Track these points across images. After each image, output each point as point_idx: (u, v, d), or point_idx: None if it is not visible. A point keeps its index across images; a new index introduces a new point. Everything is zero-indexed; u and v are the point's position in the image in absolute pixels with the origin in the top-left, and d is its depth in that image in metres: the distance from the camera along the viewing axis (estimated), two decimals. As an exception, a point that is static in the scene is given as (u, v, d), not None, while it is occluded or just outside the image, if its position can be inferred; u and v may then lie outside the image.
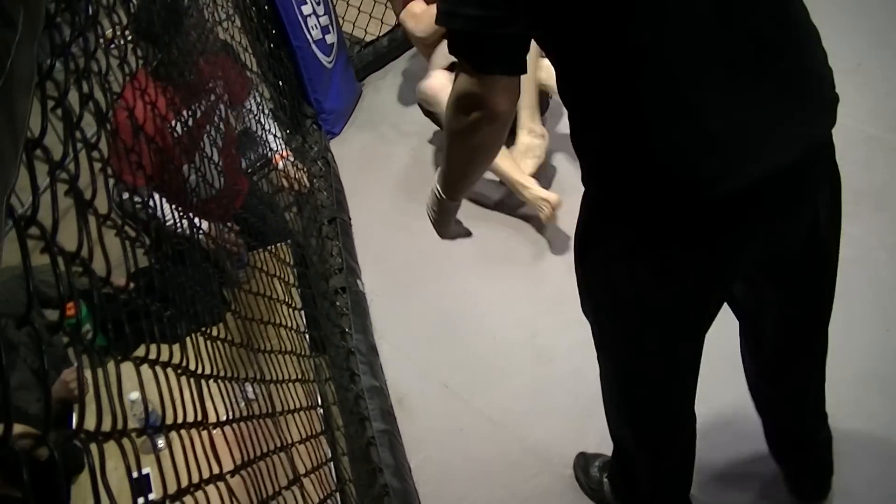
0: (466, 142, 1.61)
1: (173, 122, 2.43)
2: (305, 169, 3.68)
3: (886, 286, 2.97)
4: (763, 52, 1.38)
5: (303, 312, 2.96)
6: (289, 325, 2.67)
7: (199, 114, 2.78)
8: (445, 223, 2.00)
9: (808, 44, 1.47)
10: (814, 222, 1.63)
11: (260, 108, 3.34)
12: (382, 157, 4.08)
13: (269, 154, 3.38)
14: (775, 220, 1.53)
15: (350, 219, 3.78)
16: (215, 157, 2.88)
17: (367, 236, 3.72)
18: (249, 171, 3.46)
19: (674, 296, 1.65)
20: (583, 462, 2.68)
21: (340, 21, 4.31)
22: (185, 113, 2.61)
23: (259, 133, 3.30)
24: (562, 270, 3.32)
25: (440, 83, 3.53)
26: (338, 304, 3.31)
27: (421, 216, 3.60)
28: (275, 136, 3.38)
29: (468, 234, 2.12)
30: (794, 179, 1.48)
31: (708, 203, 1.44)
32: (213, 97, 2.94)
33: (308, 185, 3.59)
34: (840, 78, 3.70)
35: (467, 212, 3.58)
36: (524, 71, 1.49)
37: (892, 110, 3.63)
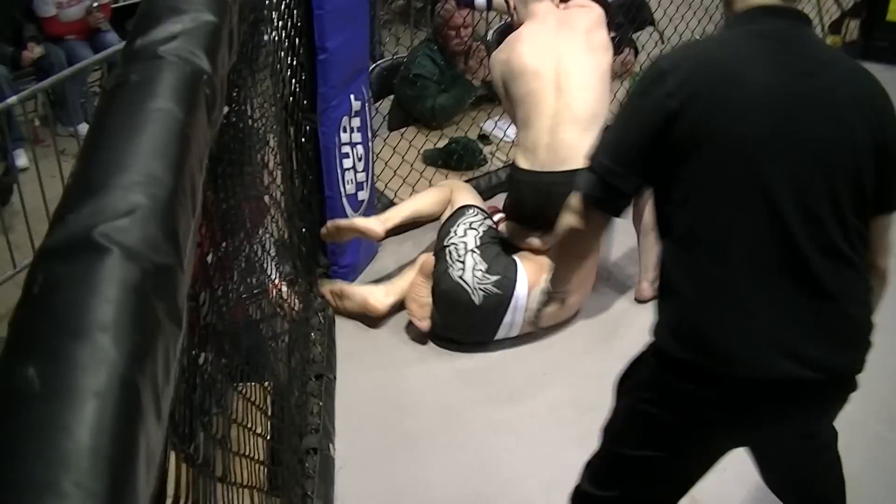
0: (564, 246, 2.30)
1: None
2: (300, 300, 3.67)
3: None
4: (811, 292, 1.86)
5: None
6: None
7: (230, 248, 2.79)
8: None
9: (854, 296, 1.94)
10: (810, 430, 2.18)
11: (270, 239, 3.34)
12: (382, 324, 4.06)
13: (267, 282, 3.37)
14: (779, 413, 1.98)
15: (336, 378, 3.75)
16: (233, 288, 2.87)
17: (349, 401, 3.66)
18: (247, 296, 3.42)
19: (675, 442, 2.08)
20: None
21: (375, 179, 4.35)
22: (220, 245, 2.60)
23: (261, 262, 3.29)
24: (549, 478, 3.29)
25: None
26: (306, 465, 3.25)
27: (410, 393, 3.62)
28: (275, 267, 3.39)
29: None
30: (802, 393, 1.92)
31: (724, 378, 1.91)
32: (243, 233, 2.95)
33: (300, 311, 3.59)
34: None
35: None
36: (620, 216, 2.14)
37: (882, 398, 3.60)
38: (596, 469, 2.36)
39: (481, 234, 3.81)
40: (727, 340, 1.87)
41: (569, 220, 2.13)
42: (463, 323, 3.82)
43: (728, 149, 1.87)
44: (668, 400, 2.01)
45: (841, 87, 1.94)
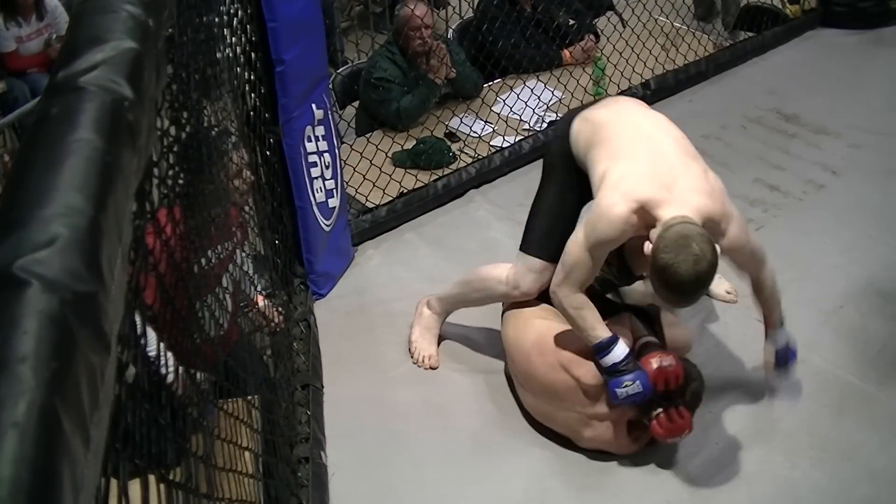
0: None
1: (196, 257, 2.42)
2: (281, 311, 3.69)
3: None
4: None
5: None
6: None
7: (218, 256, 2.82)
8: None
9: None
10: None
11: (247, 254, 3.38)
12: (364, 329, 4.08)
13: (252, 295, 3.41)
14: None
15: (323, 387, 3.76)
16: (227, 302, 2.90)
17: (338, 408, 3.67)
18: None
19: None
20: None
21: (345, 185, 4.36)
22: (206, 252, 2.62)
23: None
24: (541, 467, 3.31)
25: None
26: (299, 474, 3.27)
27: (397, 395, 3.64)
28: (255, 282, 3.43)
29: None
30: None
31: None
32: (231, 242, 2.99)
33: (282, 324, 3.60)
34: (821, 319, 3.84)
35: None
36: None
37: (869, 359, 3.69)
38: None
39: None
40: None
41: None
42: None
43: None
44: None
45: None
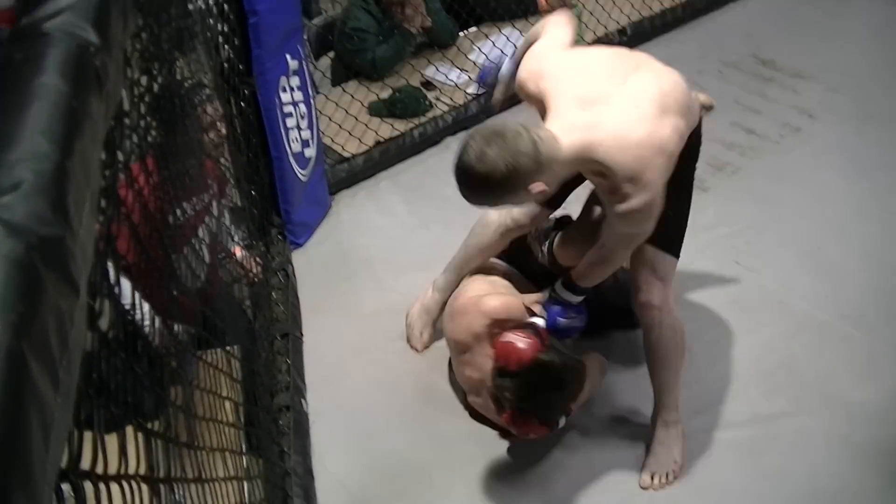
0: None
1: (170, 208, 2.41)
2: (259, 261, 3.70)
3: (825, 472, 3.10)
4: None
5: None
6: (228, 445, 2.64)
7: (194, 208, 2.82)
8: None
9: None
10: None
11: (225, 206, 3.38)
12: (343, 277, 4.09)
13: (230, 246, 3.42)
14: None
15: (302, 335, 3.77)
16: (205, 254, 2.90)
17: (318, 355, 3.70)
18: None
19: None
20: None
21: (321, 135, 4.35)
22: (181, 203, 2.62)
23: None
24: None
25: None
26: (280, 422, 3.29)
27: (375, 345, 3.65)
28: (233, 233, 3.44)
29: None
30: None
31: None
32: (208, 195, 2.99)
33: (260, 274, 3.62)
34: (798, 260, 3.85)
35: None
36: None
37: (847, 298, 3.74)
38: None
39: None
40: None
41: None
42: None
43: None
44: None
45: None
